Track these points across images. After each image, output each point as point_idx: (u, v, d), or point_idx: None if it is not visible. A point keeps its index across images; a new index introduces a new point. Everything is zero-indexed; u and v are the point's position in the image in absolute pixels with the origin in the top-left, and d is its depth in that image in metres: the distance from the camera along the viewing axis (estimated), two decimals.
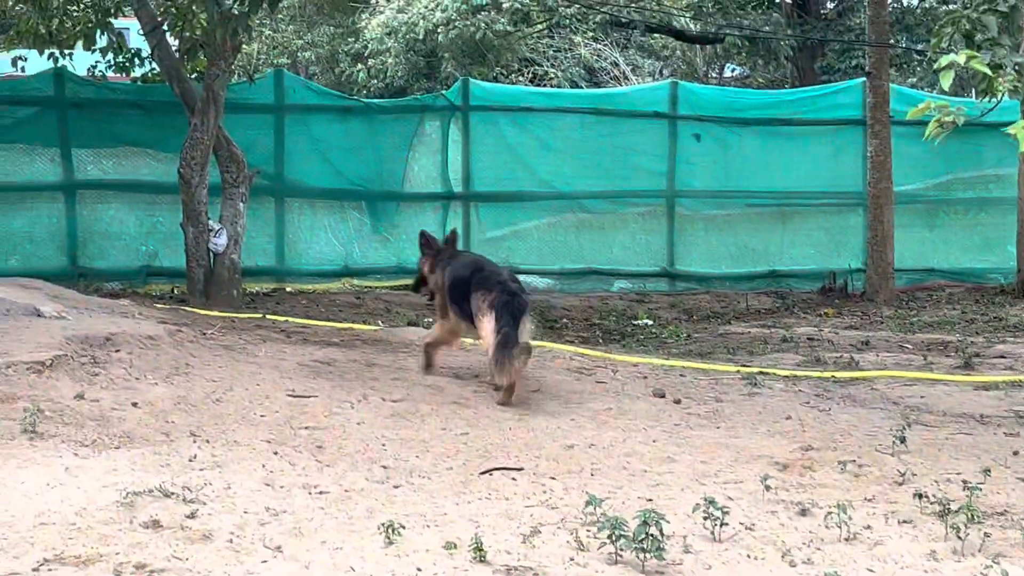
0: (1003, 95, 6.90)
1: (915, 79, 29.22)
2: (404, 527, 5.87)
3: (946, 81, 6.46)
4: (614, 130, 18.36)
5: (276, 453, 7.32)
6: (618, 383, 10.39)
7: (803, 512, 6.49)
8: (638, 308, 16.06)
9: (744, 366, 11.48)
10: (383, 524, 5.90)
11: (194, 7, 14.28)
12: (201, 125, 14.19)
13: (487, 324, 9.36)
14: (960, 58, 6.46)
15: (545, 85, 31.84)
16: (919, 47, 27.68)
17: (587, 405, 9.34)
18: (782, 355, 12.50)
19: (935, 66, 6.59)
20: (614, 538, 5.60)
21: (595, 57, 35.34)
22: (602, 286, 18.02)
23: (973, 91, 19.11)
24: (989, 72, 6.52)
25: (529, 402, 9.37)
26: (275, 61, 33.80)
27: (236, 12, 13.25)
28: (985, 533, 6.05)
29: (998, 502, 6.77)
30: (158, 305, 13.31)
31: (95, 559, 5.44)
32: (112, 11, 15.56)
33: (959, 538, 5.96)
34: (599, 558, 5.66)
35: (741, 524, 6.23)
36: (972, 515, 6.16)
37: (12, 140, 16.69)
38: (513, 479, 7.10)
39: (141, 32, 14.99)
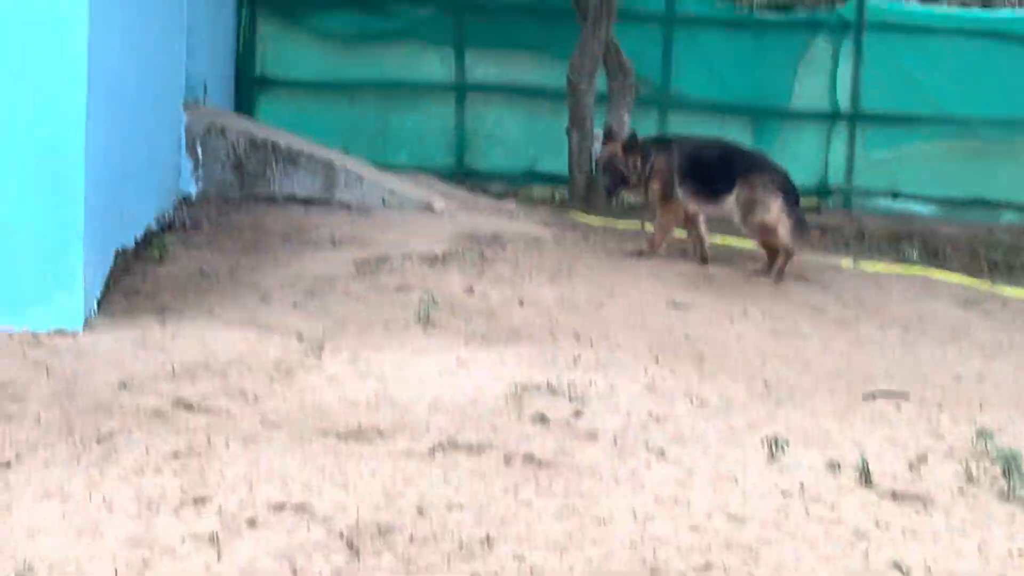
0: None
1: None
2: (787, 443, 5.82)
3: None
4: (1014, 55, 17.52)
5: (657, 360, 7.36)
6: (1007, 316, 10.02)
7: None
8: None
9: None
10: (765, 437, 5.87)
11: None
12: (592, 32, 14.27)
13: (775, 203, 10.47)
14: None
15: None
16: None
17: (974, 336, 9.05)
18: None
19: None
20: (1007, 472, 5.41)
21: None
22: (988, 217, 17.30)
23: None
24: None
25: (912, 327, 9.14)
26: None
27: None
28: None
29: None
30: (541, 208, 13.54)
31: (486, 446, 5.61)
32: None
33: None
34: (990, 492, 5.49)
35: None
36: None
37: (411, 38, 17.16)
38: (897, 405, 6.94)
39: None
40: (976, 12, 21.79)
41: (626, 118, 14.50)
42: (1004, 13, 20.86)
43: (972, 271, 12.83)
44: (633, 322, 8.29)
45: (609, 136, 11.22)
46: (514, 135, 17.37)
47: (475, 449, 5.56)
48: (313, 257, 9.11)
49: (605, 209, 13.45)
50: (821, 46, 17.57)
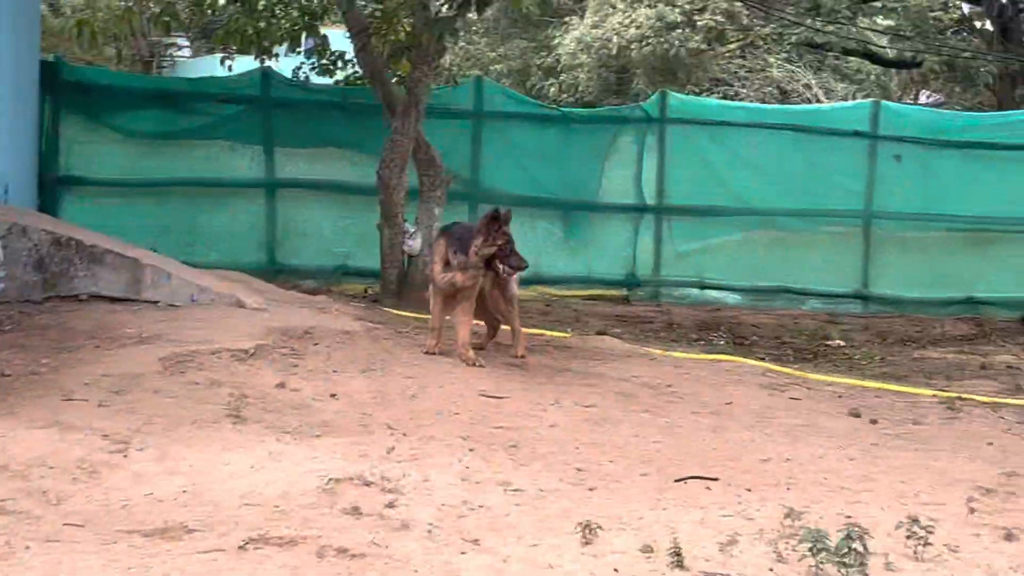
0: None
1: None
2: (600, 528, 5.84)
3: None
4: (811, 148, 18.08)
5: (471, 450, 7.35)
6: (812, 401, 10.26)
7: (1008, 537, 6.31)
8: (830, 328, 15.79)
9: (941, 391, 11.22)
10: (580, 523, 5.88)
11: (400, 11, 14.47)
12: (402, 128, 14.36)
13: None
14: None
15: None
16: None
17: (781, 420, 9.24)
18: (980, 382, 12.18)
19: None
20: (815, 551, 5.50)
21: (787, 79, 34.95)
22: (792, 305, 17.75)
23: None
24: None
25: (720, 412, 9.30)
26: (467, 74, 34.09)
27: (442, 16, 13.39)
28: None
29: None
30: (353, 303, 13.50)
31: (298, 540, 5.53)
32: (319, 15, 15.85)
33: None
34: (799, 571, 5.56)
35: (945, 545, 6.06)
36: None
37: (218, 137, 17.09)
38: (708, 488, 7.04)
39: (347, 35, 15.22)
40: (774, 107, 22.50)
41: (437, 212, 14.58)
42: (800, 107, 21.58)
43: (778, 358, 13.13)
44: (447, 413, 8.29)
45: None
46: (326, 231, 17.35)
47: (287, 543, 5.48)
48: (119, 355, 8.92)
49: (416, 303, 13.49)
50: (627, 141, 17.95)
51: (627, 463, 7.53)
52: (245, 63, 17.16)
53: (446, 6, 13.52)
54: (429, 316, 10.74)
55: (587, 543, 5.73)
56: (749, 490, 7.06)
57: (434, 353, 10.24)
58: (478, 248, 10.04)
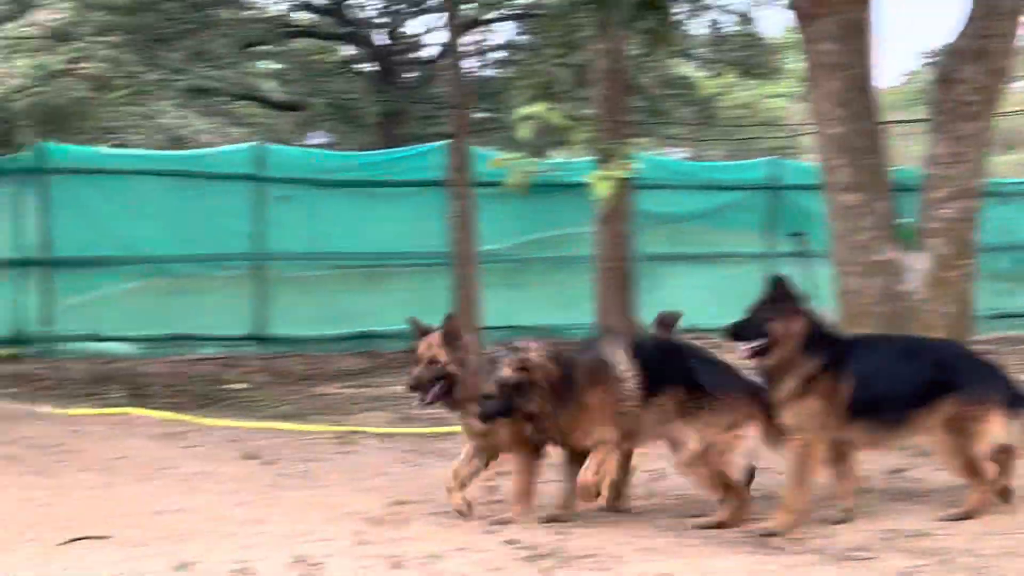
0: (581, 147, 7.14)
1: (497, 146, 30.03)
2: None
3: (524, 131, 6.63)
4: (201, 192, 18.05)
5: None
6: (209, 446, 10.20)
7: (397, 565, 6.46)
8: (229, 372, 15.79)
9: (336, 425, 11.43)
10: None
11: None
12: None
13: None
14: (538, 109, 6.64)
15: None
16: (499, 115, 28.53)
17: (177, 469, 9.11)
18: (373, 413, 12.49)
19: (514, 116, 6.75)
20: None
21: (181, 125, 34.77)
22: (191, 350, 17.61)
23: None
24: (567, 123, 6.73)
25: (113, 467, 9.06)
26: None
27: None
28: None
29: (587, 544, 6.92)
30: None
31: None
32: None
33: None
34: None
35: None
36: (563, 558, 6.28)
37: None
38: (100, 547, 6.81)
39: None
40: (162, 153, 22.29)
41: None
42: (188, 152, 21.48)
43: (176, 406, 12.96)
44: None
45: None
46: None
47: None
48: None
49: None
50: (5, 193, 17.25)
51: (13, 530, 7.17)
52: None
53: None
54: None
55: None
56: (143, 545, 6.89)
57: None
58: None
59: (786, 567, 6.37)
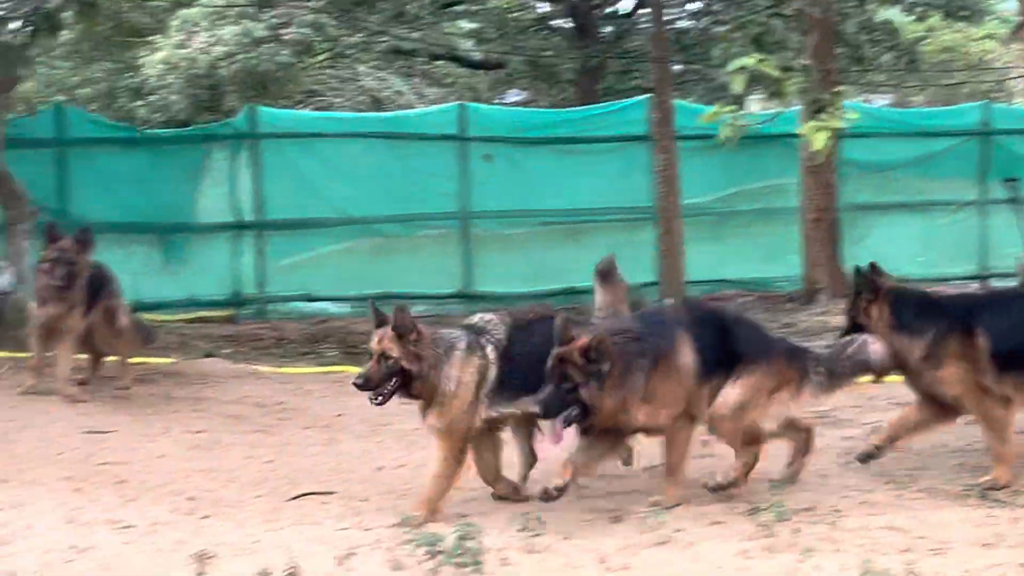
0: (792, 98, 7.06)
1: (694, 98, 29.78)
2: (215, 556, 5.71)
3: (738, 83, 6.56)
4: (405, 153, 18.25)
5: (77, 490, 7.08)
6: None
7: (618, 519, 6.49)
8: None
9: None
10: (193, 554, 5.74)
11: None
12: None
13: None
14: (751, 61, 6.56)
15: None
16: (696, 66, 28.27)
17: (395, 426, 9.25)
18: None
19: (727, 68, 6.68)
20: (431, 555, 5.53)
21: (379, 87, 35.25)
22: None
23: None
24: (779, 74, 6.64)
25: (333, 426, 9.25)
26: (51, 100, 32.89)
27: (14, 43, 12.84)
28: (794, 529, 6.10)
29: (803, 499, 6.85)
30: None
31: None
32: None
33: (770, 536, 6.00)
34: (419, 574, 5.58)
35: (558, 534, 6.19)
36: (781, 513, 6.24)
37: None
38: (325, 503, 6.98)
39: None
40: (366, 115, 22.58)
41: (25, 246, 13.99)
42: (391, 114, 21.74)
43: None
44: (48, 455, 7.95)
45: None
46: None
47: None
48: None
49: (10, 341, 12.91)
50: (219, 158, 17.66)
51: (240, 487, 7.40)
52: None
53: (16, 33, 12.95)
54: (25, 354, 10.30)
55: (202, 573, 5.59)
56: (365, 501, 7.04)
57: (33, 392, 9.82)
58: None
59: (1012, 520, 6.27)
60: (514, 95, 37.27)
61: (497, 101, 35.97)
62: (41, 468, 7.62)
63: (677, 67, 26.26)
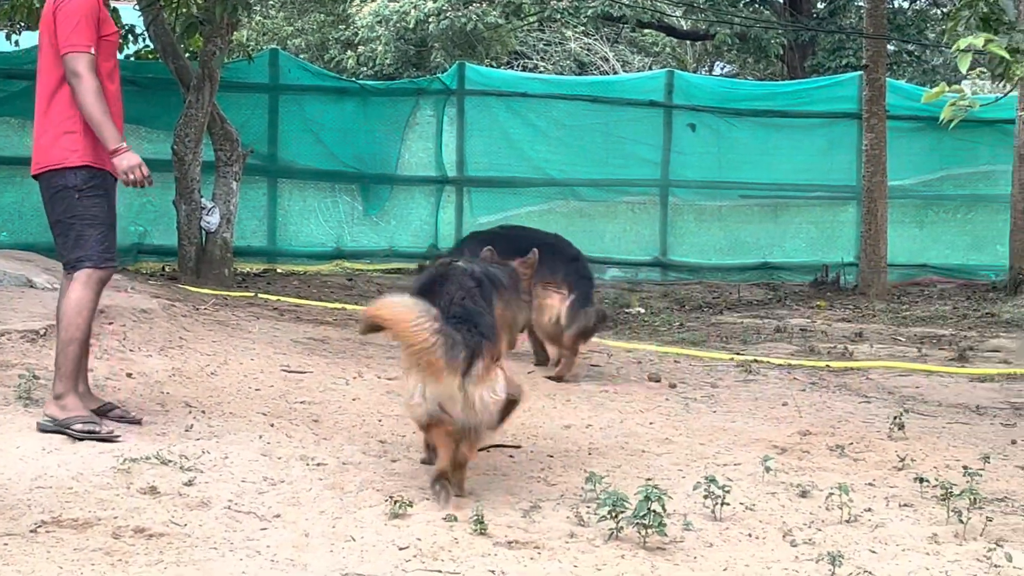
0: (1017, 82, 6.85)
1: (906, 78, 29.20)
2: (403, 499, 5.81)
3: (964, 64, 6.39)
4: (609, 118, 18.31)
5: (272, 425, 7.26)
6: (612, 367, 10.38)
7: (803, 494, 6.45)
8: (630, 296, 15.98)
9: (738, 354, 11.46)
10: (383, 495, 5.86)
11: None
12: (196, 102, 14.09)
13: None
14: (978, 41, 6.38)
15: None
16: (910, 46, 27.68)
17: (582, 387, 9.31)
18: (775, 344, 12.47)
19: (954, 47, 6.51)
20: (614, 514, 5.55)
21: (585, 51, 35.29)
22: (596, 275, 17.89)
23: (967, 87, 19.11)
24: (1008, 56, 6.45)
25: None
26: (264, 48, 33.64)
27: None
28: (987, 517, 5.98)
29: (998, 488, 6.73)
30: (151, 282, 13.22)
31: (93, 522, 5.40)
32: None
33: (961, 522, 5.89)
34: (599, 534, 5.61)
35: (741, 504, 6.19)
36: (974, 500, 6.12)
37: (9, 114, 16.56)
38: (511, 456, 7.06)
39: (137, 8, 14.88)
40: (571, 78, 22.64)
41: (234, 187, 14.37)
42: (597, 78, 21.76)
43: None
44: (247, 390, 8.16)
45: None
46: (120, 209, 16.88)
47: (81, 525, 5.34)
48: None
49: (215, 280, 13.28)
50: (426, 113, 17.89)
51: None
52: (33, 38, 16.60)
53: None
54: (228, 292, 10.57)
55: (390, 515, 5.70)
56: (551, 456, 7.10)
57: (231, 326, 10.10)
58: None
59: None
60: (720, 67, 36.99)
61: (703, 72, 35.75)
62: (240, 402, 7.83)
63: (890, 47, 25.74)
